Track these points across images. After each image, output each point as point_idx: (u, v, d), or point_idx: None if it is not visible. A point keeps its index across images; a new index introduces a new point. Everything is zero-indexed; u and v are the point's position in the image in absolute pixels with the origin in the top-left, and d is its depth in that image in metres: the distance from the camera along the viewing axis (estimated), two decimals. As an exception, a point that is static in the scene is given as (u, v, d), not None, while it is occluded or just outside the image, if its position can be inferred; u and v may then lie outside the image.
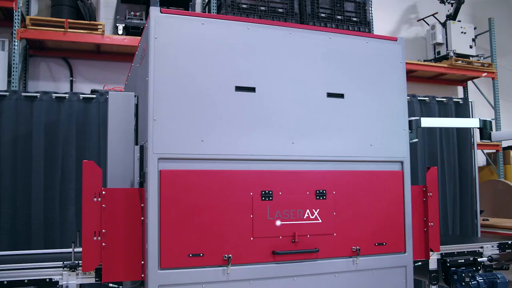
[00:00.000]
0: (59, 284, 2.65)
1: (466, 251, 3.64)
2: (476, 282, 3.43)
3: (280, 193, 2.88)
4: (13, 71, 5.33)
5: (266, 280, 2.82)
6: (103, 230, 2.67)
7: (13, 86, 5.29)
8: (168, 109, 2.70)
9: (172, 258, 2.64)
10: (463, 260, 3.56)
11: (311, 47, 3.06)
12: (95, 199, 2.66)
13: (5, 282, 2.57)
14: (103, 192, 2.69)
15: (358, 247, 3.02)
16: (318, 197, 2.97)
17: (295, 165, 2.95)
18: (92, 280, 2.72)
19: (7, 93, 4.45)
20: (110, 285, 2.74)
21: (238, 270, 2.76)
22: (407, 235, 3.19)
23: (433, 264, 3.50)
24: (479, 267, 3.62)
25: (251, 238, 2.80)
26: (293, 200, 2.91)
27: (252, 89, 2.88)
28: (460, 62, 7.34)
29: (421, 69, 7.37)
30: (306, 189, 2.95)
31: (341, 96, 3.09)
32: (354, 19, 6.79)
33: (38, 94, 4.54)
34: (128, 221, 2.73)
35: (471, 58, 7.57)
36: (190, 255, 2.67)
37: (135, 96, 3.15)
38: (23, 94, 4.51)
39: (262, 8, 6.37)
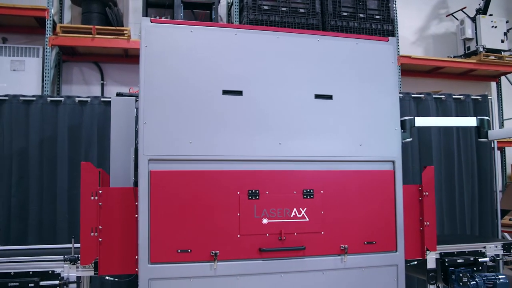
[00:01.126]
0: (61, 276, 2.89)
1: (467, 251, 3.60)
2: (475, 282, 3.39)
3: (267, 192, 2.99)
4: (45, 76, 5.71)
5: (253, 276, 2.94)
6: (100, 227, 2.88)
7: (45, 91, 5.68)
8: (158, 113, 2.87)
9: (161, 253, 2.82)
10: (462, 260, 3.52)
11: (299, 51, 3.14)
12: (92, 198, 2.87)
13: (12, 273, 2.84)
14: (100, 191, 2.90)
15: (346, 246, 3.08)
16: (305, 196, 3.05)
17: (282, 165, 3.05)
18: (91, 273, 2.94)
19: (34, 98, 4.79)
20: (107, 277, 2.95)
21: (225, 266, 2.90)
22: (398, 234, 3.21)
23: (431, 264, 3.48)
24: (480, 267, 3.57)
25: (238, 236, 2.93)
26: (280, 199, 3.01)
27: (239, 93, 3.00)
28: (490, 57, 7.11)
29: (448, 65, 7.21)
30: (293, 188, 3.04)
31: (329, 97, 3.16)
32: (377, 16, 6.75)
33: (62, 98, 4.86)
34: (124, 218, 2.93)
35: (503, 53, 7.32)
36: (179, 250, 2.84)
37: (136, 100, 3.35)
38: (49, 98, 4.84)
39: (283, 8, 6.46)
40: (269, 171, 3.02)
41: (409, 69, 7.25)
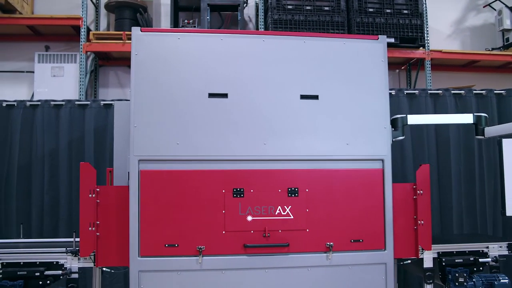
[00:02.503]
0: (64, 266, 3.17)
1: (467, 251, 3.52)
2: (472, 283, 3.32)
3: (251, 190, 3.11)
4: (80, 81, 6.14)
5: (238, 271, 3.07)
6: (97, 222, 3.12)
7: (80, 95, 6.09)
8: (147, 117, 3.07)
9: (150, 247, 3.02)
10: (461, 260, 3.45)
11: (285, 53, 3.22)
12: (90, 195, 3.12)
13: (22, 263, 3.14)
14: (97, 189, 3.14)
15: (331, 243, 3.13)
16: (290, 195, 3.14)
17: (267, 165, 3.15)
18: (91, 265, 3.19)
19: (63, 102, 5.18)
20: (104, 269, 3.20)
21: (210, 260, 3.05)
22: (387, 232, 3.22)
23: (428, 263, 3.45)
24: (481, 268, 3.48)
25: (223, 232, 3.07)
26: (265, 197, 3.12)
27: (225, 95, 3.14)
28: (531, 48, 6.76)
29: (483, 58, 6.92)
30: (278, 187, 3.13)
31: (315, 97, 3.22)
32: (405, 11, 6.62)
33: (89, 102, 5.22)
34: (119, 215, 3.15)
35: (545, 43, 6.93)
36: (166, 245, 3.02)
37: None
38: (76, 102, 5.21)
39: (308, 7, 6.50)
40: (254, 170, 3.13)
41: (442, 64, 7.03)
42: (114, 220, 3.14)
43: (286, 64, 3.22)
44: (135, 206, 3.02)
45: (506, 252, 3.56)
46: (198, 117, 3.11)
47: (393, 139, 3.36)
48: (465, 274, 3.33)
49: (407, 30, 6.49)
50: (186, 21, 6.86)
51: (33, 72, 6.26)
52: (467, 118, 3.43)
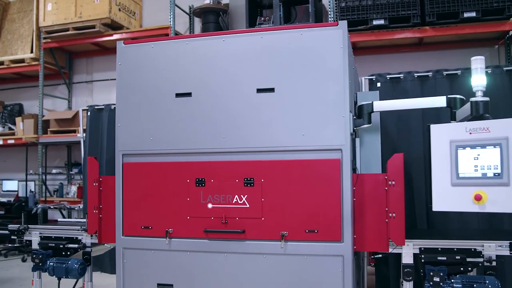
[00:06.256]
0: (81, 241, 3.90)
1: (455, 248, 3.15)
2: (447, 284, 3.00)
3: (212, 180, 3.37)
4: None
5: (200, 253, 3.38)
6: (100, 206, 3.76)
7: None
8: (128, 117, 3.58)
9: (130, 228, 3.54)
10: (444, 258, 3.12)
11: (244, 50, 3.38)
12: (94, 184, 3.77)
13: (53, 237, 3.98)
14: (100, 179, 3.78)
15: (286, 232, 3.20)
16: (246, 184, 3.30)
17: (226, 156, 3.37)
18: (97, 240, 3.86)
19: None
20: (105, 245, 3.83)
21: (177, 242, 3.43)
22: (345, 224, 3.13)
23: (407, 259, 3.22)
24: (469, 268, 3.09)
25: (188, 217, 3.41)
26: (223, 186, 3.34)
27: (189, 94, 3.46)
28: None
29: None
30: (236, 177, 3.33)
31: (271, 90, 3.30)
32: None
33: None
34: (117, 200, 3.74)
35: None
36: (142, 227, 3.50)
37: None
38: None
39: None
40: (214, 162, 3.39)
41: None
42: (113, 204, 3.73)
43: (244, 60, 3.37)
44: (120, 193, 3.57)
45: (507, 253, 3.09)
46: (167, 115, 3.49)
47: (356, 128, 3.23)
48: (441, 274, 3.02)
49: (490, 1, 5.72)
50: (262, 18, 7.22)
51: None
52: (439, 101, 3.06)
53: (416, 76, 4.58)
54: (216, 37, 3.46)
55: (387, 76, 4.60)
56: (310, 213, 3.19)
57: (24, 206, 7.59)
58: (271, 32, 3.36)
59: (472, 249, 3.13)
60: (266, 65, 3.33)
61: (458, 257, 3.11)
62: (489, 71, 4.40)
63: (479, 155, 2.62)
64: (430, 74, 4.57)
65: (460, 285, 2.98)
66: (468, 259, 3.12)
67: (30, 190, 7.97)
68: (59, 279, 3.85)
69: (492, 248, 3.10)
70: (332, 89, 3.20)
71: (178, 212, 3.44)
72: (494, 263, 3.07)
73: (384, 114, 4.42)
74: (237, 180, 3.33)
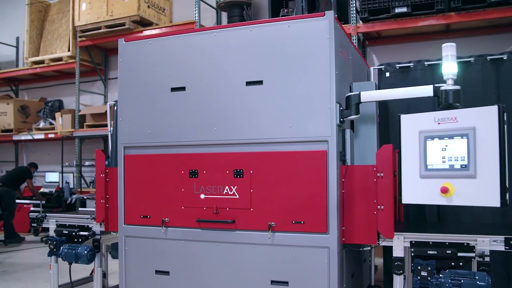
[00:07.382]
0: (91, 229, 4.12)
1: (447, 243, 3.06)
2: (436, 279, 2.92)
3: (204, 171, 3.47)
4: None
5: (194, 242, 3.49)
6: (107, 196, 3.96)
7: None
8: (128, 111, 3.75)
9: (131, 217, 3.71)
10: (435, 252, 3.04)
11: (234, 44, 3.43)
12: (101, 175, 3.97)
13: (67, 225, 4.23)
14: (107, 171, 3.97)
15: (273, 223, 3.24)
16: (235, 176, 3.37)
17: (217, 148, 3.45)
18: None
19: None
20: (112, 233, 4.02)
21: (173, 231, 3.56)
22: (331, 216, 3.13)
23: (398, 252, 3.16)
24: (461, 263, 2.99)
25: (182, 207, 3.52)
26: (215, 177, 3.43)
27: (183, 88, 3.56)
28: None
29: None
30: (226, 168, 3.40)
31: (260, 83, 3.34)
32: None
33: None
34: (122, 191, 3.93)
35: None
36: (142, 216, 3.66)
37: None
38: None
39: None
40: (207, 154, 3.48)
41: None
42: (117, 195, 3.92)
43: (234, 54, 3.42)
44: (121, 184, 3.74)
45: (502, 248, 2.96)
46: (163, 109, 3.62)
47: (343, 119, 3.20)
48: (429, 268, 2.95)
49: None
50: (285, 10, 7.21)
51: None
52: (426, 91, 2.96)
53: (426, 65, 4.42)
54: (207, 32, 3.53)
55: (396, 65, 4.48)
56: (297, 205, 3.21)
57: (61, 197, 8.06)
58: (260, 25, 3.39)
59: (465, 244, 3.03)
60: (255, 58, 3.36)
61: (449, 252, 3.03)
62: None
63: (447, 146, 2.52)
64: (440, 62, 4.39)
65: (449, 280, 2.90)
66: (460, 254, 3.02)
67: (66, 181, 8.44)
68: (70, 264, 4.09)
69: (486, 243, 2.98)
70: (317, 80, 3.19)
71: (173, 202, 3.56)
72: (487, 259, 2.96)
73: (392, 104, 4.35)
74: (227, 172, 3.40)
